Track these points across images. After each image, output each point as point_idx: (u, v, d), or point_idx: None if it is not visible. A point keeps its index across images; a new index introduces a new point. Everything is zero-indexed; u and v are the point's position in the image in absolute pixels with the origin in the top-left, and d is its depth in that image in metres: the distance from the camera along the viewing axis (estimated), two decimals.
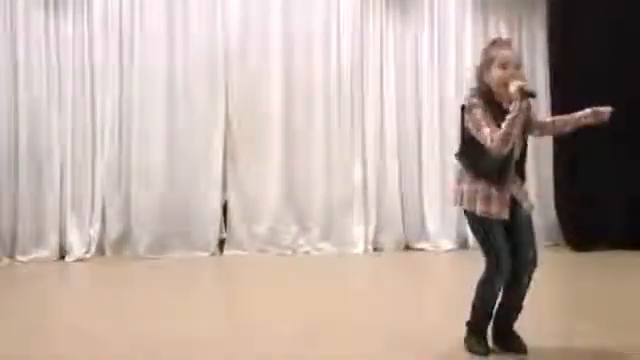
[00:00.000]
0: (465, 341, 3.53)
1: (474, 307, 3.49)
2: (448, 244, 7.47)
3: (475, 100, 3.30)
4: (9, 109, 6.79)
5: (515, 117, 3.14)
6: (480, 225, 3.38)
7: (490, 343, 3.50)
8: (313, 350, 3.62)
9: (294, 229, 7.34)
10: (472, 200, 3.36)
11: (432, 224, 7.55)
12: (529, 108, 3.36)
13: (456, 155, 3.47)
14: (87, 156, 6.99)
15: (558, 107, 7.37)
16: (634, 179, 7.12)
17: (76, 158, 6.96)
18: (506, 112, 3.20)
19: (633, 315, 4.34)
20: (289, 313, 4.54)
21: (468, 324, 3.53)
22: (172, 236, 7.09)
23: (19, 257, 6.73)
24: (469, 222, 3.46)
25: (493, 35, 7.85)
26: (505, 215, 3.33)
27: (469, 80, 7.57)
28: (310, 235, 7.37)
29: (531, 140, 8.49)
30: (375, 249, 7.44)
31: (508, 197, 3.34)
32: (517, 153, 3.39)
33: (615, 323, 4.11)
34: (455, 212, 7.56)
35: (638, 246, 6.91)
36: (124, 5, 7.06)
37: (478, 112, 3.24)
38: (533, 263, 3.43)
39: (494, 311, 3.48)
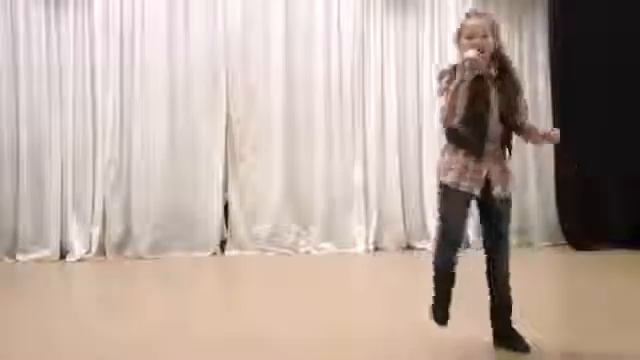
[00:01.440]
0: (429, 311, 3.48)
1: (433, 281, 3.43)
2: None
3: (445, 69, 3.29)
4: (10, 108, 6.81)
5: (456, 87, 3.12)
6: (444, 192, 3.31)
7: (493, 343, 3.49)
8: (314, 350, 3.62)
9: (295, 229, 7.34)
10: (447, 170, 3.30)
11: (433, 223, 7.54)
12: (517, 93, 3.29)
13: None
14: (88, 155, 7.00)
15: (558, 104, 7.40)
16: (635, 179, 7.12)
17: (77, 157, 6.97)
18: (480, 78, 3.19)
19: (634, 315, 4.34)
20: (290, 313, 4.54)
21: (433, 297, 3.47)
22: (173, 236, 7.10)
23: (20, 256, 6.74)
24: (438, 189, 3.39)
25: None
26: (476, 190, 3.27)
27: None
28: (311, 235, 7.37)
29: None
30: (376, 249, 7.45)
31: (484, 175, 3.27)
32: (494, 132, 3.27)
33: (616, 323, 4.11)
34: None
35: (639, 245, 6.91)
36: (125, 4, 7.07)
37: (443, 81, 3.25)
38: (505, 252, 3.37)
39: (453, 283, 3.39)
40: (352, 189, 7.46)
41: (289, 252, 7.29)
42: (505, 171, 3.35)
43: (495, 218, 3.36)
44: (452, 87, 3.13)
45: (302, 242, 7.36)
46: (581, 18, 7.15)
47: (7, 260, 6.69)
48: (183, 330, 4.03)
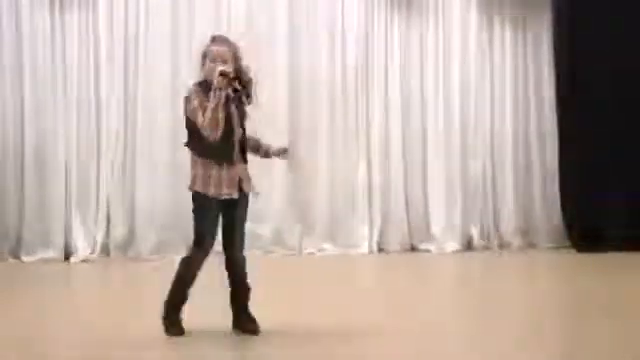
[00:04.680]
0: (162, 321, 3.72)
1: (172, 285, 3.72)
2: (453, 245, 7.45)
3: (194, 89, 3.60)
4: (15, 109, 6.82)
5: (216, 104, 3.43)
6: (203, 203, 3.62)
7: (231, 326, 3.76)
8: (314, 350, 3.62)
9: (298, 230, 7.34)
10: (206, 184, 3.61)
11: (437, 225, 7.54)
12: (242, 103, 3.66)
13: (186, 144, 3.77)
14: (92, 156, 7.00)
15: (563, 106, 7.39)
16: (638, 182, 7.10)
17: (81, 158, 6.97)
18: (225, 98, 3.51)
19: (635, 316, 4.33)
20: (292, 314, 4.54)
21: (165, 303, 3.73)
22: (176, 237, 7.06)
23: (24, 257, 6.75)
24: (194, 203, 3.67)
25: (498, 36, 7.89)
26: (235, 194, 3.61)
27: (470, 81, 7.67)
28: (314, 236, 7.36)
29: (539, 142, 8.40)
30: (380, 250, 7.44)
31: (237, 178, 3.64)
32: (238, 137, 3.64)
33: (616, 324, 4.10)
34: (460, 213, 7.58)
35: None
36: (129, 5, 7.08)
37: (195, 101, 3.55)
38: (240, 241, 3.70)
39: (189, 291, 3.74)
40: (356, 190, 7.45)
41: (292, 252, 7.28)
42: (246, 170, 3.73)
43: (237, 215, 3.67)
44: (212, 104, 3.44)
45: (306, 243, 7.35)
46: (585, 19, 7.13)
47: (11, 261, 6.70)
48: (185, 331, 4.03)
